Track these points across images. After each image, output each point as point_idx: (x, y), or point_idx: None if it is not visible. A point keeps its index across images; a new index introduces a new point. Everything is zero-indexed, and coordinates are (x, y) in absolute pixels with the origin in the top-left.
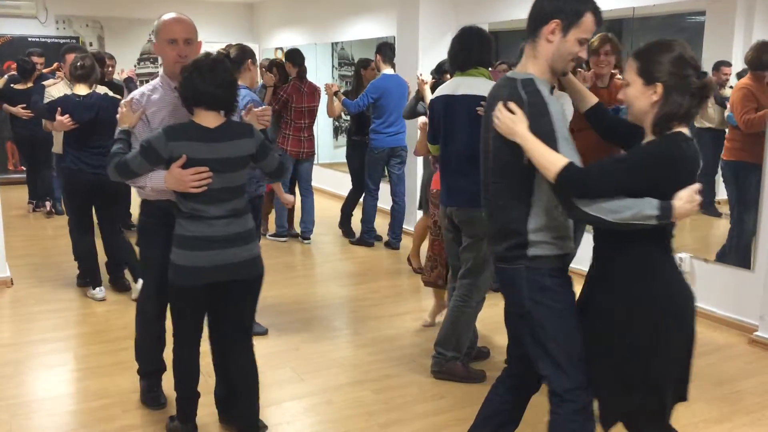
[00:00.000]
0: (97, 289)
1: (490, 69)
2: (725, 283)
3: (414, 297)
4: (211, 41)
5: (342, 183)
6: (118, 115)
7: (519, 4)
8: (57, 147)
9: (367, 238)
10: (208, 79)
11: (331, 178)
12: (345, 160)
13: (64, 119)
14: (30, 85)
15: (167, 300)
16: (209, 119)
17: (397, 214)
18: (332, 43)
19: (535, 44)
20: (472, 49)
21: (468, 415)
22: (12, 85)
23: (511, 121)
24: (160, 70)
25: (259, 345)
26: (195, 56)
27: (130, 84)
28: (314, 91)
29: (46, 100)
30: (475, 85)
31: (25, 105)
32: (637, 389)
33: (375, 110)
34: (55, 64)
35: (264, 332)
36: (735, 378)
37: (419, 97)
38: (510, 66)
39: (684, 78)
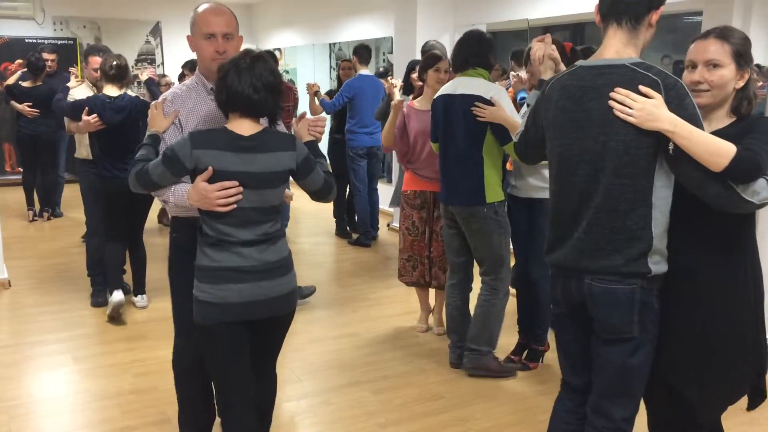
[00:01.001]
0: (116, 292)
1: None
2: None
3: (413, 297)
4: None
5: None
6: (148, 118)
7: (516, 6)
8: (80, 151)
9: (364, 240)
10: (246, 80)
11: None
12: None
13: (91, 119)
14: (39, 83)
15: None
16: (244, 126)
17: (373, 210)
18: (330, 44)
19: (636, 31)
20: (470, 50)
21: (467, 414)
22: (20, 82)
23: (654, 106)
24: (195, 72)
25: None
26: (235, 53)
27: (151, 86)
28: (288, 90)
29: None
30: (473, 85)
31: (31, 103)
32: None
33: (350, 110)
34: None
35: (312, 291)
36: None
37: (390, 99)
38: (505, 70)
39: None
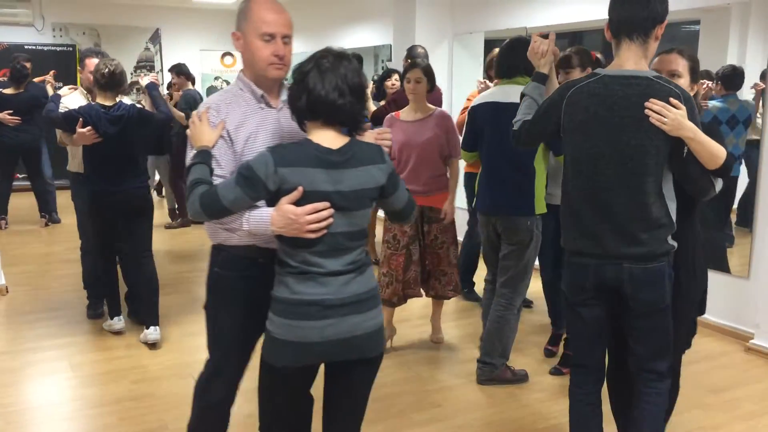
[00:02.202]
0: (116, 318)
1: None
2: (721, 291)
3: (409, 304)
4: (209, 49)
5: None
6: (188, 131)
7: (514, 14)
8: (73, 164)
9: None
10: (330, 82)
11: None
12: None
13: (86, 131)
14: (21, 90)
15: (239, 379)
16: (329, 137)
17: None
18: None
19: (646, 44)
20: (520, 57)
21: (465, 423)
22: (1, 90)
23: (682, 117)
24: (239, 75)
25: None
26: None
27: (152, 91)
28: None
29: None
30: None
31: (12, 111)
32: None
33: None
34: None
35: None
36: (731, 386)
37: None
38: None
39: None
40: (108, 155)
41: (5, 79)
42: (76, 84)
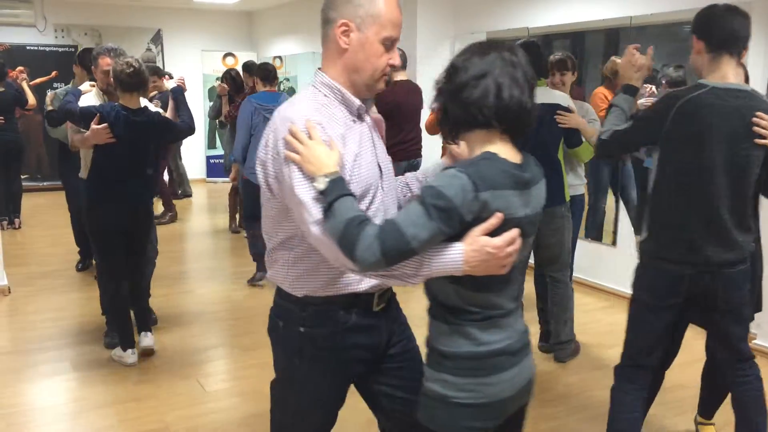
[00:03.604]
0: (129, 351)
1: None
2: None
3: (412, 304)
4: (210, 50)
5: None
6: (301, 158)
7: (516, 14)
8: (86, 171)
9: None
10: (523, 82)
11: None
12: None
13: (100, 128)
14: (2, 89)
15: None
16: (511, 151)
17: None
18: None
19: (740, 60)
20: (536, 60)
21: None
22: None
23: None
24: (322, 79)
25: (258, 353)
26: None
27: (178, 96)
28: None
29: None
30: (547, 94)
31: None
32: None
33: None
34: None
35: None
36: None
37: None
38: None
39: None
40: (116, 161)
41: None
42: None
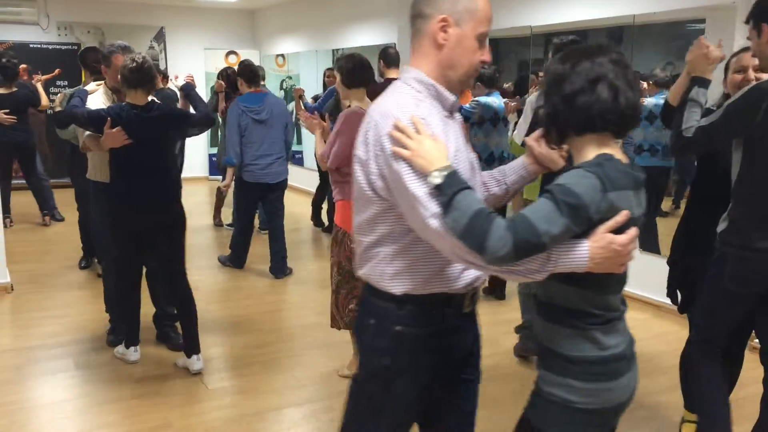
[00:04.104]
0: (132, 348)
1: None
2: None
3: None
4: (213, 48)
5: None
6: (411, 153)
7: (519, 13)
8: (94, 172)
9: None
10: (634, 81)
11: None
12: None
13: (115, 131)
14: (14, 89)
15: None
16: (620, 153)
17: None
18: (333, 50)
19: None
20: None
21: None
22: None
23: None
24: (414, 75)
25: (259, 351)
26: None
27: (190, 92)
28: None
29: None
30: None
31: (8, 111)
32: None
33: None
34: (57, 71)
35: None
36: (737, 385)
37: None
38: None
39: None
40: (135, 161)
41: None
42: (77, 82)
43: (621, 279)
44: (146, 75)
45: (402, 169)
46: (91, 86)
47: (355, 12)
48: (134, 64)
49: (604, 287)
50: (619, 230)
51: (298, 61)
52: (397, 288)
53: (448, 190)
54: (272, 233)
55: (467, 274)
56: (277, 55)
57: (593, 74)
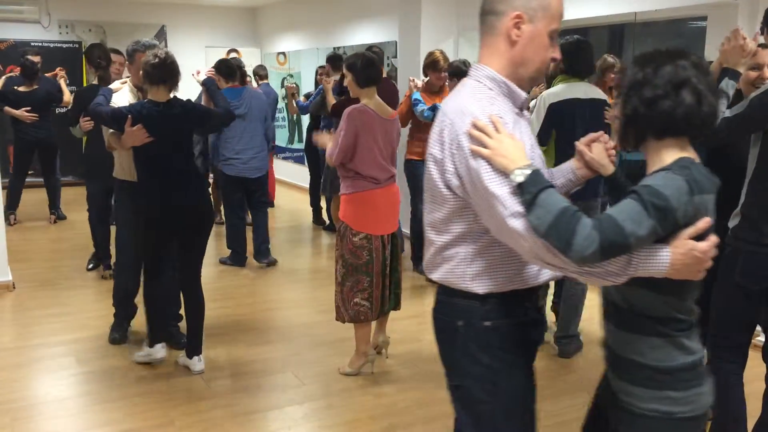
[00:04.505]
0: (158, 346)
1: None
2: None
3: (417, 300)
4: (214, 46)
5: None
6: (491, 152)
7: None
8: (121, 171)
9: None
10: (712, 89)
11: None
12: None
13: (135, 129)
14: (35, 86)
15: None
16: (696, 157)
17: None
18: (334, 48)
19: None
20: (589, 57)
21: None
22: (15, 87)
23: None
24: (486, 72)
25: (260, 350)
26: None
27: (211, 87)
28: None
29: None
30: (595, 90)
31: (30, 108)
32: None
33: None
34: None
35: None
36: None
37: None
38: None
39: None
40: (160, 159)
41: (16, 75)
42: (75, 79)
43: (699, 283)
44: (169, 71)
45: (481, 167)
46: (115, 84)
47: (356, 10)
48: (157, 60)
49: (685, 292)
50: (698, 236)
51: (299, 59)
52: (479, 288)
53: (532, 188)
54: (256, 227)
55: (545, 272)
56: (279, 53)
57: (677, 78)
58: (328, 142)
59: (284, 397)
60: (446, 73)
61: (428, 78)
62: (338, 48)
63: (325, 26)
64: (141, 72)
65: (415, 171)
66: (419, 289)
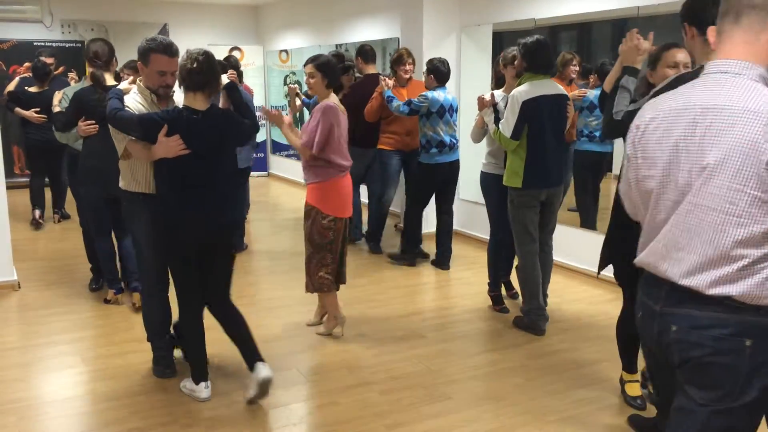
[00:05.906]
0: (203, 384)
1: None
2: None
3: (419, 297)
4: (217, 44)
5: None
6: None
7: (522, 5)
8: (134, 182)
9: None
10: None
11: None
12: None
13: (172, 140)
14: (46, 87)
15: None
16: None
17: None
18: (336, 45)
19: None
20: (550, 55)
21: (475, 415)
22: (26, 88)
23: None
24: (759, 71)
25: (265, 347)
26: None
27: (234, 92)
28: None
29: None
30: (558, 86)
31: (39, 109)
32: None
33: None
34: (61, 68)
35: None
36: None
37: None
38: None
39: None
40: (193, 174)
41: (28, 75)
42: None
43: None
44: (209, 76)
45: None
46: (123, 85)
47: (358, 6)
48: (195, 65)
49: None
50: None
51: (301, 57)
52: (761, 300)
53: None
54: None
55: None
56: (281, 51)
57: None
58: (282, 123)
59: (289, 394)
60: (412, 66)
61: (397, 73)
62: (340, 45)
63: (328, 23)
64: (178, 77)
65: (387, 159)
66: (429, 288)
